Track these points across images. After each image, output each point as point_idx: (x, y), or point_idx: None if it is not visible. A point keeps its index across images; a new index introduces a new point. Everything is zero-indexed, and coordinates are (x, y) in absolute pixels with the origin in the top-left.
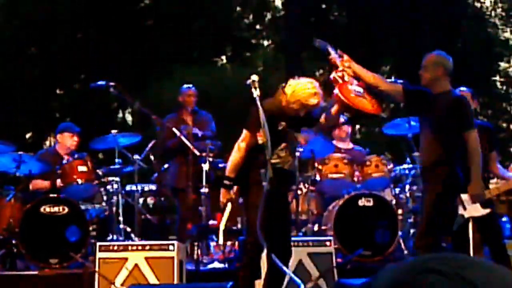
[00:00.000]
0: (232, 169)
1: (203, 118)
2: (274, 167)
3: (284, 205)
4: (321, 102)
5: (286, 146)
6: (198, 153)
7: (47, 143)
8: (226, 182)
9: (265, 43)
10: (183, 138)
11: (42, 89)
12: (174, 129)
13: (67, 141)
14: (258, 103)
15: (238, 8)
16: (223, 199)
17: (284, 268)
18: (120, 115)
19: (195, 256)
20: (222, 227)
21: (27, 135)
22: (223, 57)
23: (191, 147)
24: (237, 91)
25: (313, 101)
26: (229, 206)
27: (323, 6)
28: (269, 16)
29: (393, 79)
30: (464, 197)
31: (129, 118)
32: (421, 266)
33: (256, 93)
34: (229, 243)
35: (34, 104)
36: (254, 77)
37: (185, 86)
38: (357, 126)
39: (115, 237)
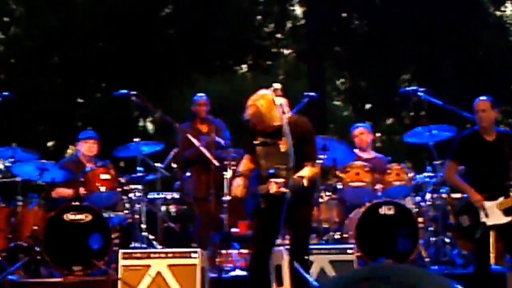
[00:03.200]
0: None
1: (216, 126)
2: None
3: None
4: (252, 113)
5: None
6: (217, 164)
7: (69, 151)
8: None
9: (286, 51)
10: (202, 148)
11: (64, 98)
12: (192, 139)
13: (87, 148)
14: (281, 111)
15: (258, 17)
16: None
17: (307, 276)
18: (141, 123)
19: (217, 264)
20: None
21: (49, 144)
22: (244, 66)
23: (210, 157)
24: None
25: (246, 115)
26: None
27: (344, 15)
28: (289, 24)
29: (414, 87)
30: (487, 204)
31: (150, 126)
32: (364, 274)
33: (279, 101)
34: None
35: (56, 113)
36: (277, 86)
37: (198, 95)
38: (378, 134)
39: (137, 244)
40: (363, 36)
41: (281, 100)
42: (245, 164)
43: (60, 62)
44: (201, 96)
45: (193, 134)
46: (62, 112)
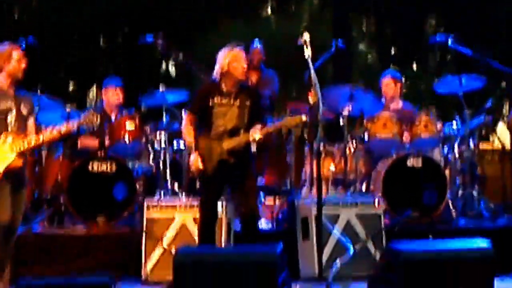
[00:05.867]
0: None
1: (267, 77)
2: None
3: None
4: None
5: None
6: None
7: (90, 95)
8: None
9: None
10: None
11: (86, 41)
12: None
13: (110, 96)
14: (310, 63)
15: None
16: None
17: (334, 229)
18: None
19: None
20: None
21: (70, 87)
22: (268, 8)
23: None
24: (281, 45)
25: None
26: None
27: None
28: None
29: (443, 35)
30: None
31: (172, 69)
32: None
33: (308, 52)
34: (277, 202)
35: (78, 57)
36: (306, 36)
37: (255, 42)
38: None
39: (162, 195)
40: None
41: (309, 52)
42: (189, 132)
43: (82, 4)
44: (256, 42)
45: None
46: (84, 55)
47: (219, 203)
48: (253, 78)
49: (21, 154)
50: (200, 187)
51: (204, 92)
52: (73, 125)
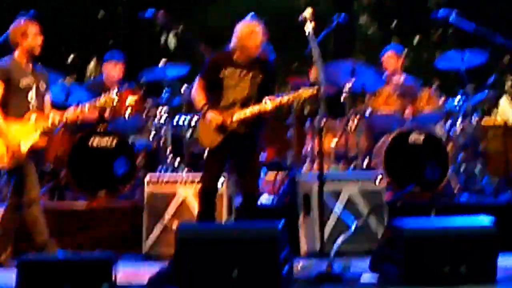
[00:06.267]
0: None
1: (264, 51)
2: None
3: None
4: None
5: None
6: None
7: (90, 67)
8: None
9: None
10: None
11: (85, 11)
12: None
13: (111, 70)
14: (312, 39)
15: None
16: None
17: (335, 206)
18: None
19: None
20: None
21: (69, 58)
22: None
23: None
24: (281, 16)
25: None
26: None
27: None
28: None
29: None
30: None
31: (172, 41)
32: None
33: (309, 28)
34: (278, 177)
35: (76, 27)
36: (308, 12)
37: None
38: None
39: (163, 169)
40: None
41: (311, 28)
42: (200, 95)
43: None
44: (251, 16)
45: None
46: (82, 26)
47: (221, 179)
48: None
49: (44, 133)
50: (206, 158)
51: (217, 61)
52: (95, 104)
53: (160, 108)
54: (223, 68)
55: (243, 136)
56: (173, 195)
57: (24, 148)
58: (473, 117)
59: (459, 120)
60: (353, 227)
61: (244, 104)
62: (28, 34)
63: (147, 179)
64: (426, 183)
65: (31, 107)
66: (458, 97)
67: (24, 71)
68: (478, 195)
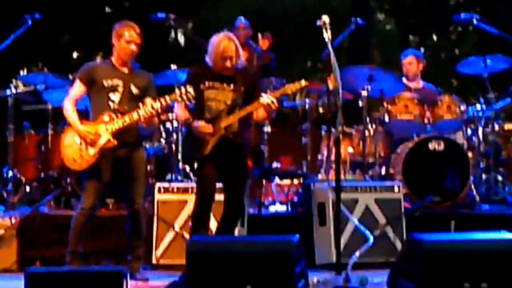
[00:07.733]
0: None
1: (258, 54)
2: None
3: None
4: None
5: None
6: None
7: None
8: None
9: None
10: None
11: (91, 7)
12: None
13: None
14: (330, 46)
15: None
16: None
17: (351, 217)
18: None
19: (257, 199)
20: None
21: (74, 55)
22: None
23: None
24: (294, 11)
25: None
26: None
27: None
28: None
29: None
30: None
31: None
32: None
33: (327, 35)
34: (292, 185)
35: (82, 23)
36: (325, 18)
37: (239, 18)
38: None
39: (173, 176)
40: None
41: (328, 34)
42: (182, 109)
43: None
44: (240, 19)
45: None
46: (88, 22)
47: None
48: (244, 55)
49: (114, 134)
50: (199, 167)
51: (197, 74)
52: (166, 100)
53: (170, 113)
54: (202, 81)
55: (232, 141)
56: (184, 203)
57: (94, 150)
58: (495, 125)
59: (481, 127)
60: (371, 239)
61: (230, 112)
62: (122, 38)
63: (157, 186)
64: (446, 192)
65: (111, 107)
66: (480, 104)
67: (113, 72)
68: (499, 205)
